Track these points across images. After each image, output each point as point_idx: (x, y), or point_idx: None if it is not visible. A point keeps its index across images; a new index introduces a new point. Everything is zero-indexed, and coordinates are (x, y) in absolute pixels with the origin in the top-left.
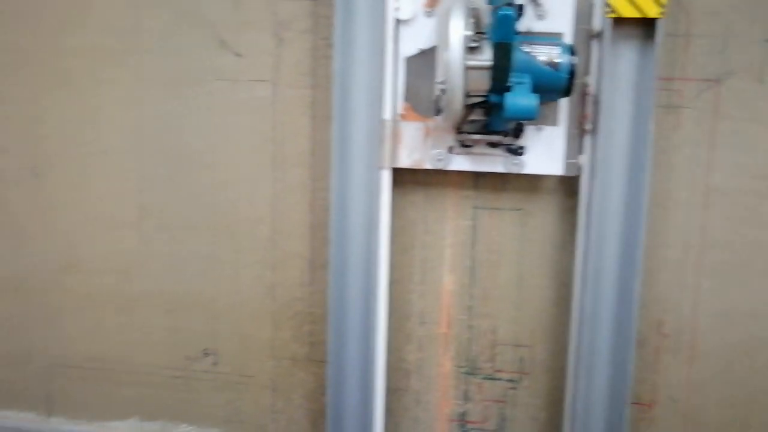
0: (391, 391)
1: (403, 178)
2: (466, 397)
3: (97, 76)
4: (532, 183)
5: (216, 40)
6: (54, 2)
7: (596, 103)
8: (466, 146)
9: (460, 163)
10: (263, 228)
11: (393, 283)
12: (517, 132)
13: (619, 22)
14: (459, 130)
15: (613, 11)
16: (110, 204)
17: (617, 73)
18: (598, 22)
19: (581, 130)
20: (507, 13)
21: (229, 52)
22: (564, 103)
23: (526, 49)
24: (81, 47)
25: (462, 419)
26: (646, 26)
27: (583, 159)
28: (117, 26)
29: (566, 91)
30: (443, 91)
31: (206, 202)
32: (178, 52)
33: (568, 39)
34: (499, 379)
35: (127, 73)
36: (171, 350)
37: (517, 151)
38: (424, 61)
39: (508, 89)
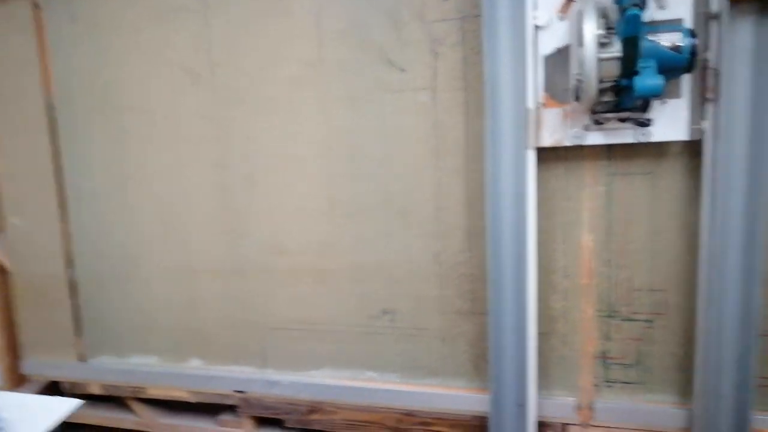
0: (541, 335)
1: (545, 155)
2: (607, 337)
3: (294, 99)
4: (659, 149)
5: (384, 60)
6: (264, 45)
7: (716, 75)
8: (599, 123)
9: (595, 138)
10: (429, 206)
11: (539, 244)
12: (644, 107)
13: (735, 1)
14: (593, 111)
15: None
16: (307, 199)
17: (736, 46)
18: (715, 5)
19: (703, 99)
20: (634, 12)
21: (395, 68)
22: (686, 78)
23: (651, 37)
24: (282, 78)
25: (604, 356)
26: (761, 1)
27: (706, 124)
28: (308, 59)
29: (688, 69)
30: (579, 80)
31: (382, 190)
32: (354, 74)
33: (687, 23)
34: (637, 320)
35: (316, 96)
36: (357, 311)
37: (645, 123)
38: (560, 57)
39: (636, 73)
